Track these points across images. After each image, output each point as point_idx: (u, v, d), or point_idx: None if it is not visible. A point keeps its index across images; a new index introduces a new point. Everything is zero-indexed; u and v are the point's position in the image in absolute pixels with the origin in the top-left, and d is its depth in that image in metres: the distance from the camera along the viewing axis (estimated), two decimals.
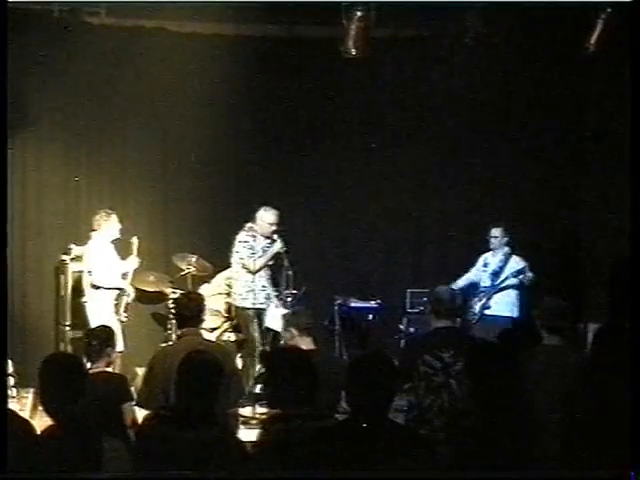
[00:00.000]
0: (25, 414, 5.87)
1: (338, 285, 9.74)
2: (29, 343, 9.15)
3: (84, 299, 8.62)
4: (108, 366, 5.90)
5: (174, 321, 8.03)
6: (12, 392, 7.63)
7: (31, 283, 9.42)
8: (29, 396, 7.74)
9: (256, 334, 8.31)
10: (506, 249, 8.93)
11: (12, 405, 6.42)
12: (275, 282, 8.59)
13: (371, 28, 8.78)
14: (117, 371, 7.43)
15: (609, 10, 8.50)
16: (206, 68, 9.24)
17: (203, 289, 9.18)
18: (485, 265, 9.00)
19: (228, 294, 9.10)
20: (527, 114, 9.89)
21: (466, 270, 9.13)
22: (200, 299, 6.09)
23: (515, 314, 8.82)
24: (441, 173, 10.19)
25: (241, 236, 8.39)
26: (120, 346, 7.83)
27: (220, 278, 9.29)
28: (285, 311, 8.02)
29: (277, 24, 9.66)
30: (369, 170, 10.05)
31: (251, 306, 8.34)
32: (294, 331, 5.86)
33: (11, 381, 7.65)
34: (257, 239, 8.35)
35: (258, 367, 8.13)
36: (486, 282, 8.92)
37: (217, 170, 9.85)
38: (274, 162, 9.96)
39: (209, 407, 4.00)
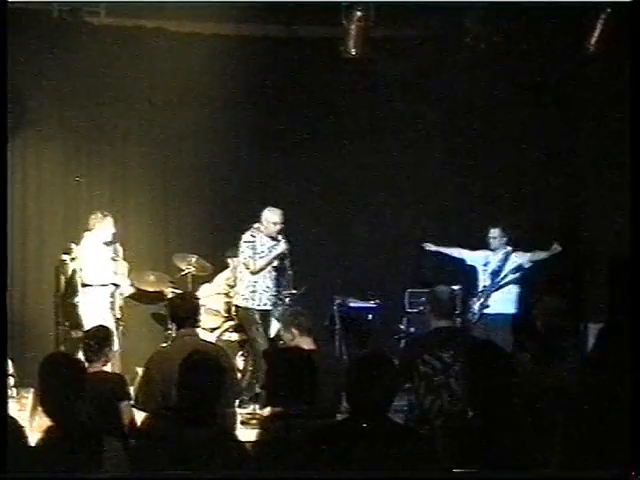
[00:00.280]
0: (25, 414, 5.86)
1: (338, 285, 9.74)
2: (29, 343, 9.15)
3: (76, 298, 8.68)
4: (105, 365, 5.90)
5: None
6: (12, 392, 7.62)
7: (31, 283, 9.42)
8: (29, 396, 7.74)
9: (259, 335, 8.29)
10: (507, 249, 8.92)
11: (12, 405, 6.44)
12: (281, 283, 8.56)
13: (371, 28, 8.78)
14: (117, 371, 7.45)
15: (609, 10, 8.50)
16: (206, 68, 9.24)
17: (203, 289, 9.19)
18: (485, 264, 9.00)
19: (228, 294, 9.10)
20: (527, 114, 9.89)
21: (466, 270, 9.14)
22: (194, 300, 6.07)
23: (515, 313, 8.82)
24: (441, 173, 10.18)
25: (246, 236, 8.37)
26: (115, 346, 7.84)
27: (220, 278, 9.29)
28: None
29: (277, 24, 9.65)
30: (369, 170, 10.05)
31: (254, 307, 8.33)
32: (294, 331, 5.86)
33: (11, 381, 7.66)
34: (261, 239, 8.32)
35: (260, 367, 8.12)
36: (486, 282, 8.92)
37: (217, 170, 9.86)
38: (273, 162, 9.96)
39: (209, 407, 4.00)
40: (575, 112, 10.00)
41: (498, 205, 9.89)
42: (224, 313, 9.09)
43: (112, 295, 8.71)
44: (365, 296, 9.67)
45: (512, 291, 8.89)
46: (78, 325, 8.59)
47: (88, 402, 4.12)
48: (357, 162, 10.04)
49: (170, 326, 8.81)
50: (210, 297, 8.97)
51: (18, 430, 4.08)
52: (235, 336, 8.84)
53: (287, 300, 8.49)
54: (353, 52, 8.89)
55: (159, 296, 9.34)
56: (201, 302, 6.63)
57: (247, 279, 8.36)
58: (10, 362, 7.32)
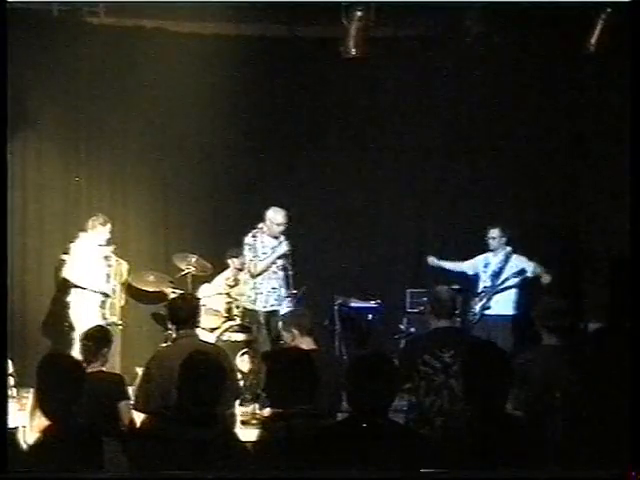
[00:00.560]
0: (25, 414, 5.85)
1: (338, 285, 9.73)
2: (29, 343, 9.16)
3: (68, 297, 8.71)
4: (104, 365, 5.90)
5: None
6: (12, 392, 7.62)
7: (31, 283, 9.43)
8: (29, 396, 7.73)
9: (261, 336, 8.28)
10: (507, 249, 8.91)
11: (12, 405, 6.44)
12: (284, 283, 8.53)
13: (371, 28, 8.78)
14: (117, 371, 7.45)
15: (609, 10, 8.50)
16: (206, 68, 9.24)
17: (203, 289, 9.19)
18: (485, 266, 8.98)
19: (228, 294, 9.10)
20: (527, 114, 9.89)
21: (467, 269, 9.14)
22: (194, 300, 6.07)
23: (515, 314, 8.81)
24: (441, 173, 10.19)
25: (247, 238, 8.37)
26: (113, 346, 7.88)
27: (220, 278, 9.29)
28: None
29: (277, 24, 9.66)
30: (369, 170, 10.05)
31: (259, 308, 8.32)
32: (295, 331, 5.86)
33: (11, 381, 7.65)
34: (262, 240, 8.30)
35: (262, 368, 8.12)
36: (486, 282, 8.91)
37: (217, 170, 9.86)
38: (273, 162, 9.96)
39: (209, 407, 4.00)
40: (575, 112, 9.99)
41: (498, 205, 9.89)
42: (224, 313, 9.09)
43: (102, 300, 8.77)
44: (365, 296, 9.67)
45: (512, 292, 8.87)
46: (69, 325, 8.64)
47: (87, 402, 4.12)
48: (357, 162, 10.04)
49: (170, 326, 8.83)
50: (210, 297, 8.96)
51: (18, 430, 4.08)
52: (235, 336, 8.84)
53: (287, 300, 8.49)
54: (353, 52, 8.89)
55: (159, 296, 9.33)
56: (201, 302, 6.63)
57: (251, 280, 8.36)
58: (10, 362, 7.32)
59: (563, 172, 10.10)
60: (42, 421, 4.06)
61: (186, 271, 9.17)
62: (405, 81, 9.87)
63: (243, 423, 7.02)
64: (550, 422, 4.41)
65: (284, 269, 8.37)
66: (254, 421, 7.24)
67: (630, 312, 4.84)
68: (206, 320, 8.52)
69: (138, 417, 5.42)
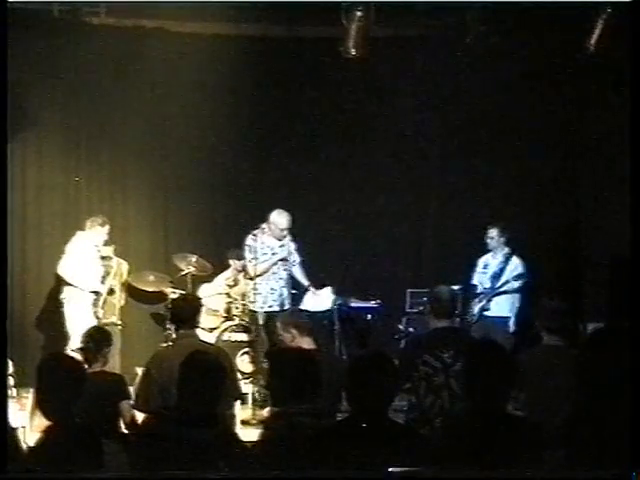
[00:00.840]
0: (25, 414, 5.85)
1: (338, 285, 9.73)
2: (29, 343, 9.16)
3: (61, 295, 8.73)
4: (105, 365, 5.90)
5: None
6: (12, 392, 7.62)
7: (31, 283, 9.42)
8: (29, 396, 7.73)
9: (261, 336, 8.28)
10: (506, 250, 8.90)
11: (12, 405, 6.43)
12: (290, 283, 8.53)
13: (371, 28, 8.78)
14: (116, 371, 7.45)
15: (609, 10, 8.50)
16: (206, 68, 9.24)
17: (203, 289, 9.19)
18: (485, 267, 8.97)
19: (228, 294, 9.10)
20: (527, 114, 9.89)
21: (467, 270, 9.13)
22: (196, 301, 6.08)
23: (515, 315, 8.81)
24: (441, 173, 10.19)
25: (247, 239, 8.37)
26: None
27: (220, 278, 9.29)
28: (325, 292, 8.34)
29: (277, 24, 9.66)
30: (368, 170, 10.05)
31: (258, 309, 8.33)
32: (294, 331, 5.86)
33: (11, 381, 7.65)
34: (263, 241, 8.30)
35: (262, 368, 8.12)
36: (486, 284, 8.90)
37: (217, 170, 9.86)
38: (273, 162, 9.96)
39: (209, 407, 4.00)
40: (575, 112, 9.99)
41: (498, 205, 9.88)
42: (224, 313, 9.10)
43: (95, 299, 8.77)
44: (365, 296, 9.66)
45: (511, 295, 8.86)
46: (62, 322, 8.65)
47: (90, 402, 4.12)
48: (357, 162, 10.03)
49: (170, 326, 8.84)
50: (210, 297, 8.97)
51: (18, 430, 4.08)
52: (235, 336, 8.84)
53: (287, 300, 8.51)
54: (353, 52, 8.89)
55: (159, 296, 9.34)
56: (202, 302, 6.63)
57: (251, 281, 8.37)
58: (10, 362, 7.32)
59: (563, 172, 10.10)
60: (42, 421, 4.06)
61: (186, 271, 9.17)
62: (405, 81, 9.87)
63: (243, 423, 7.02)
64: (550, 422, 4.41)
65: (288, 270, 8.39)
66: (253, 421, 7.25)
67: (630, 312, 4.84)
68: (206, 320, 8.52)
69: (140, 417, 5.42)
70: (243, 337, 8.75)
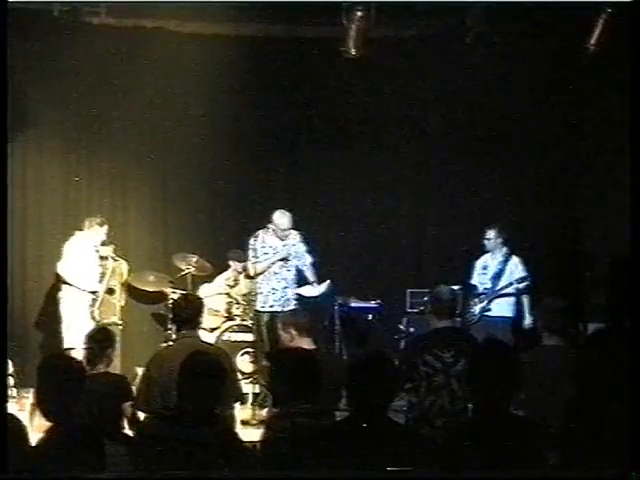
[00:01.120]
0: (25, 414, 5.85)
1: (338, 285, 9.73)
2: (29, 343, 9.16)
3: (59, 294, 8.73)
4: (109, 366, 5.90)
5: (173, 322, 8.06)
6: (12, 392, 7.63)
7: (31, 283, 9.43)
8: (29, 396, 7.73)
9: (262, 336, 8.28)
10: (504, 250, 8.88)
11: (12, 405, 6.44)
12: (292, 282, 8.52)
13: (371, 28, 8.78)
14: (116, 371, 7.45)
15: (609, 10, 8.50)
16: (206, 68, 9.23)
17: (203, 289, 9.19)
18: (484, 268, 8.96)
19: (228, 294, 9.10)
20: (527, 114, 9.89)
21: (466, 270, 9.12)
22: (198, 301, 6.08)
23: (515, 315, 8.80)
24: (442, 173, 10.19)
25: (250, 240, 8.38)
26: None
27: (220, 278, 9.29)
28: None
29: (277, 24, 9.66)
30: (369, 170, 10.05)
31: (259, 309, 8.33)
32: (294, 331, 5.86)
33: (11, 381, 7.66)
34: (264, 241, 8.31)
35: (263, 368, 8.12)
36: (487, 284, 8.89)
37: (217, 170, 9.86)
38: (273, 162, 9.96)
39: (209, 407, 4.00)
40: (575, 112, 9.99)
41: (498, 205, 9.88)
42: (224, 313, 9.10)
43: (93, 299, 8.77)
44: (365, 296, 9.66)
45: (512, 293, 8.85)
46: (59, 321, 8.66)
47: (94, 403, 4.13)
48: (357, 162, 10.03)
49: (170, 326, 8.84)
50: (210, 297, 8.96)
51: (18, 430, 4.07)
52: (235, 336, 8.84)
53: (289, 301, 8.51)
54: (353, 52, 8.88)
55: (159, 296, 9.34)
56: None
57: (253, 281, 8.37)
58: (10, 362, 7.32)
59: (563, 172, 10.10)
60: (42, 421, 4.06)
61: (186, 271, 9.17)
62: (405, 81, 9.86)
63: (243, 423, 7.02)
64: (550, 422, 4.41)
65: (287, 270, 8.39)
66: (254, 421, 7.25)
67: (630, 312, 4.83)
68: (206, 320, 8.51)
69: (141, 418, 5.42)
70: (243, 337, 8.74)
